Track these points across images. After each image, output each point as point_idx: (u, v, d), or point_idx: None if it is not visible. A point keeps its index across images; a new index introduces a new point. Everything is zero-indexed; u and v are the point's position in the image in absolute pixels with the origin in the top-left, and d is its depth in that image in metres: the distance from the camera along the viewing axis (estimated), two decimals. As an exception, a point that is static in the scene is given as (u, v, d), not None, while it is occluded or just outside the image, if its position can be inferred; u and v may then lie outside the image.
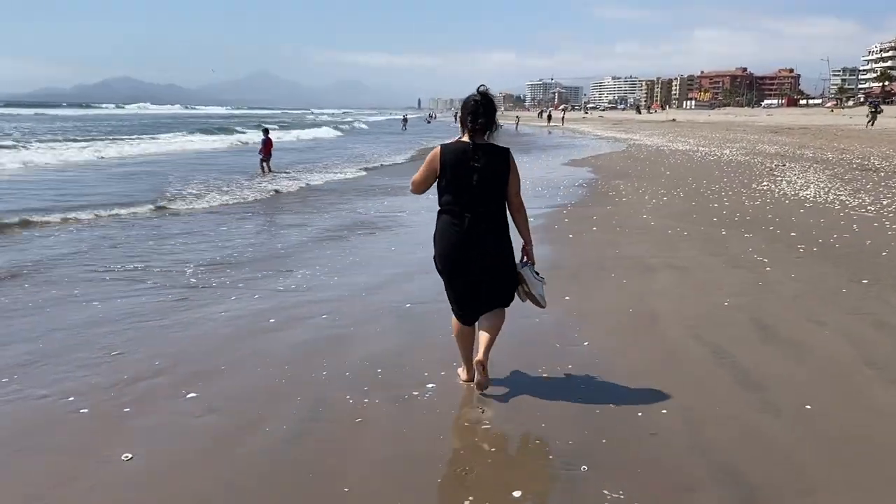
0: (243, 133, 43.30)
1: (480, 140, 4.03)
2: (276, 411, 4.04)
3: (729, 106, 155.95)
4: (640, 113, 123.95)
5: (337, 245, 9.31)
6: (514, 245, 4.29)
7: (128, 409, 4.10)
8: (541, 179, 17.64)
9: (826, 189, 14.61)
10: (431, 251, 4.27)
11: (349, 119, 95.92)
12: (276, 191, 15.59)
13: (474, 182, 3.96)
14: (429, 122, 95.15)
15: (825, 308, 6.19)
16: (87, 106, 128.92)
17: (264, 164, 19.34)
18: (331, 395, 4.27)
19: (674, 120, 77.95)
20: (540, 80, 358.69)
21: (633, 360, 4.89)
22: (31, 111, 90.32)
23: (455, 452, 3.65)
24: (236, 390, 4.38)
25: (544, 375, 4.61)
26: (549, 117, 79.42)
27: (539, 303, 4.33)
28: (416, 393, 4.30)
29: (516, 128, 64.49)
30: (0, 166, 20.00)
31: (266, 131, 20.13)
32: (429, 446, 3.67)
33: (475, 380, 4.24)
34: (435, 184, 4.16)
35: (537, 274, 4.31)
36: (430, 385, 4.42)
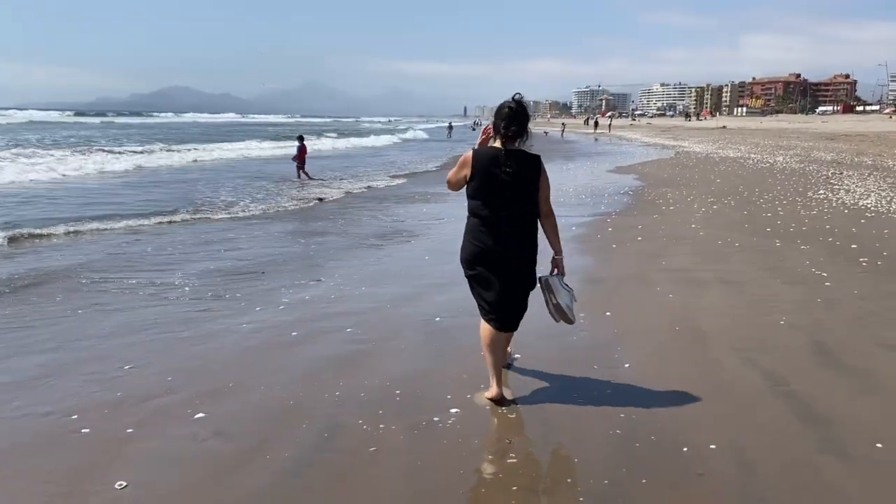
0: (309, 140, 44.20)
1: (512, 146, 4.03)
2: (283, 437, 3.71)
3: (782, 113, 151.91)
4: (689, 120, 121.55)
5: (371, 253, 9.01)
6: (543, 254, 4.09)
7: (130, 431, 3.83)
8: (585, 187, 17.12)
9: (888, 198, 13.76)
10: None
11: (403, 126, 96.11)
12: (319, 199, 15.40)
13: (505, 187, 3.98)
14: (473, 129, 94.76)
15: (895, 330, 5.62)
16: (144, 114, 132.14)
17: (300, 170, 19.40)
18: (343, 419, 3.93)
19: (724, 127, 76.02)
20: (587, 88, 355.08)
21: (678, 386, 4.43)
22: (97, 119, 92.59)
23: (475, 491, 3.26)
24: (246, 411, 4.08)
25: (579, 402, 4.19)
26: (596, 124, 78.36)
27: (567, 316, 4.26)
28: (436, 419, 3.92)
29: (562, 135, 63.85)
30: (79, 171, 20.76)
31: (301, 138, 20.17)
32: (447, 483, 3.30)
33: (496, 396, 4.15)
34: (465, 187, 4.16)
35: (567, 285, 4.24)
36: (453, 410, 4.04)
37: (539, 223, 4.16)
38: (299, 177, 19.24)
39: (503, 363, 4.36)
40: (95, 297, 6.64)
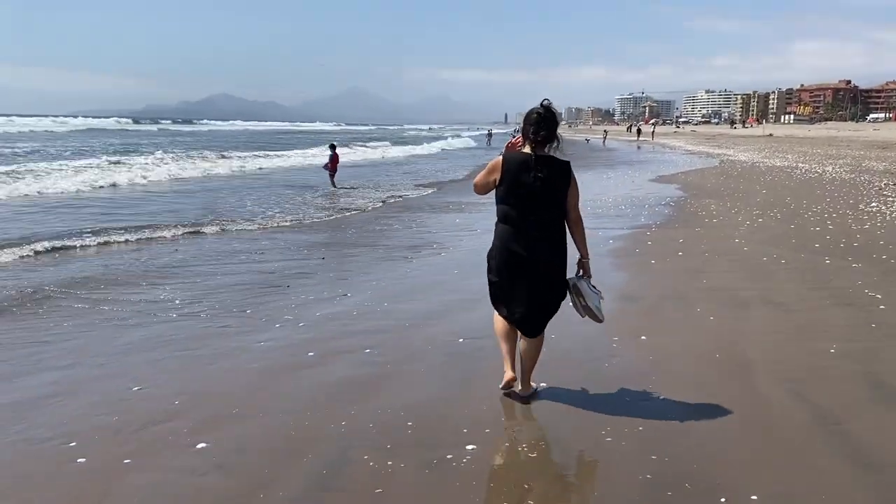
0: (369, 147, 46.75)
1: (542, 152, 4.05)
2: (284, 474, 3.44)
3: (831, 120, 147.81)
4: (734, 127, 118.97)
5: (399, 266, 8.76)
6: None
7: (128, 461, 3.60)
8: (625, 197, 16.63)
9: (947, 211, 13.03)
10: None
11: (447, 134, 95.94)
12: (355, 209, 15.23)
13: (534, 193, 3.99)
14: (513, 137, 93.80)
15: (958, 360, 5.13)
16: (194, 122, 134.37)
17: (332, 178, 19.36)
18: (350, 454, 3.64)
19: (771, 135, 74.22)
20: (630, 94, 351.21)
21: (716, 423, 4.04)
22: (154, 127, 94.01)
23: (486, 544, 2.95)
24: (249, 441, 3.83)
25: (607, 439, 3.84)
26: (639, 132, 77.15)
27: (596, 316, 4.29)
28: (450, 456, 3.61)
29: (603, 142, 62.98)
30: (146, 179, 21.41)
31: (333, 147, 20.18)
32: (456, 532, 3.00)
33: (509, 379, 4.26)
34: (493, 191, 4.18)
35: (594, 287, 4.28)
36: (469, 446, 3.72)
37: (567, 229, 4.18)
38: (332, 185, 19.23)
39: (533, 368, 4.34)
40: (115, 312, 6.51)
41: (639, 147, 53.76)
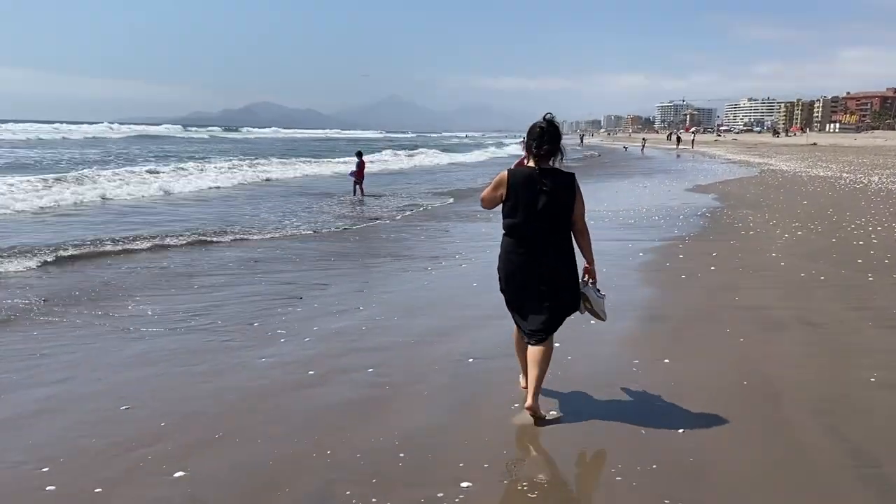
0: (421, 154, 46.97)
1: (546, 165, 4.08)
2: (257, 512, 3.17)
3: (878, 129, 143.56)
4: (777, 136, 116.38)
5: (417, 278, 8.48)
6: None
7: (99, 490, 3.37)
8: (659, 207, 16.12)
9: None
10: None
11: (489, 141, 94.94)
12: (376, 218, 15.01)
13: (540, 206, 4.02)
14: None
15: None
16: (239, 129, 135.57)
17: (357, 186, 19.12)
18: (332, 487, 3.35)
19: (815, 144, 72.35)
20: (671, 102, 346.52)
21: (738, 463, 3.64)
22: (205, 134, 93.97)
23: None
24: (230, 469, 3.56)
25: (618, 478, 3.48)
26: (678, 139, 75.82)
27: (601, 317, 4.38)
28: (441, 494, 3.29)
29: (642, 150, 61.98)
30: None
31: (359, 154, 19.91)
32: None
33: (528, 407, 4.08)
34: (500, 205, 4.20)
35: (599, 291, 4.35)
36: (463, 484, 3.40)
37: (575, 241, 4.23)
38: (354, 193, 18.98)
39: (542, 379, 4.14)
40: (122, 322, 6.34)
41: (678, 155, 52.72)
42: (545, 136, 4.00)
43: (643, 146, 67.60)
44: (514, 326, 4.35)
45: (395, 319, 6.45)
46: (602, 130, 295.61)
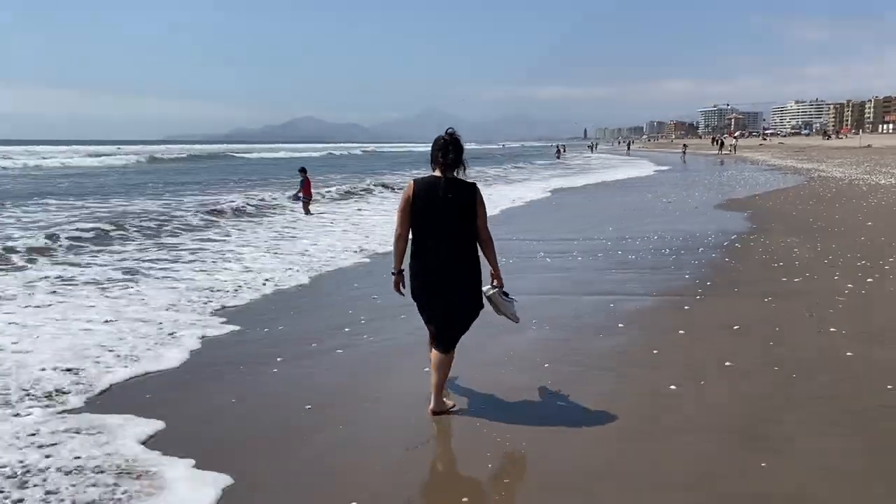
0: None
1: (450, 175, 4.17)
2: None
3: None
4: (828, 138, 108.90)
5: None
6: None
7: None
8: (674, 233, 12.14)
9: None
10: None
11: (538, 160, 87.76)
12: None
13: (444, 214, 4.12)
14: (592, 151, 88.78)
15: None
16: (287, 143, 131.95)
17: (307, 206, 16.51)
18: None
19: (869, 146, 66.09)
20: (714, 106, 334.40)
21: None
22: (258, 154, 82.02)
23: None
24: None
25: None
26: (721, 144, 70.37)
27: (512, 319, 4.55)
28: None
29: (683, 158, 56.58)
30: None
31: (303, 171, 16.83)
32: None
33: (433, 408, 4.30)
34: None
35: (506, 295, 4.47)
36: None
37: (480, 249, 4.31)
38: (307, 213, 16.01)
39: (443, 383, 4.34)
40: None
41: (721, 162, 47.67)
42: (449, 147, 4.13)
43: (683, 153, 62.36)
44: (432, 350, 4.35)
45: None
46: (644, 137, 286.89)
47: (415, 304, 4.33)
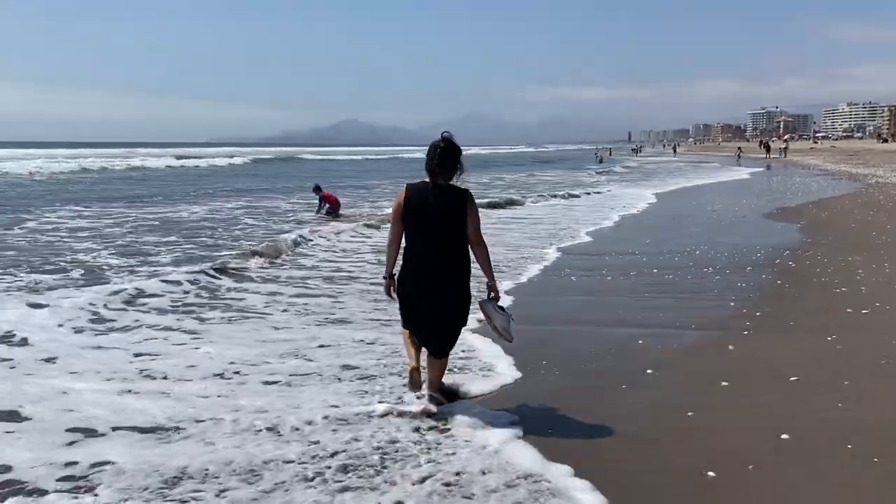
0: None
1: (441, 181, 4.11)
2: None
3: None
4: (884, 142, 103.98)
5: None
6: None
7: None
8: (720, 247, 10.81)
9: None
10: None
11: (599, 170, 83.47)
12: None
13: (434, 220, 4.10)
14: (636, 154, 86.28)
15: None
16: (337, 147, 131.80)
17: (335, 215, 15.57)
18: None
19: (928, 149, 62.39)
20: (763, 109, 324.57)
21: None
22: (316, 157, 78.01)
23: None
24: None
25: None
26: (768, 148, 67.48)
27: (504, 336, 4.37)
28: None
29: (738, 160, 53.85)
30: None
31: (318, 189, 15.99)
32: None
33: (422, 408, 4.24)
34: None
35: (502, 309, 4.34)
36: None
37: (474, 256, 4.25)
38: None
39: (438, 380, 4.37)
40: None
41: (768, 167, 45.34)
42: (437, 153, 4.08)
43: (739, 155, 59.04)
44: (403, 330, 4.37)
45: None
46: (690, 140, 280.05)
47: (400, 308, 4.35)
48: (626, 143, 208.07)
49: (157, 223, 14.95)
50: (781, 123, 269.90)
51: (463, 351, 5.43)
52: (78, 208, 17.85)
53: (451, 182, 4.13)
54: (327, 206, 15.92)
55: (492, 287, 4.30)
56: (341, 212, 15.97)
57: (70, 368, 5.21)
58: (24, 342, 5.83)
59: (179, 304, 7.47)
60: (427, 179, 4.14)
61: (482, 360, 5.35)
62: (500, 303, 4.38)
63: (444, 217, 4.09)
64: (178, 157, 55.22)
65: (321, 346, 5.85)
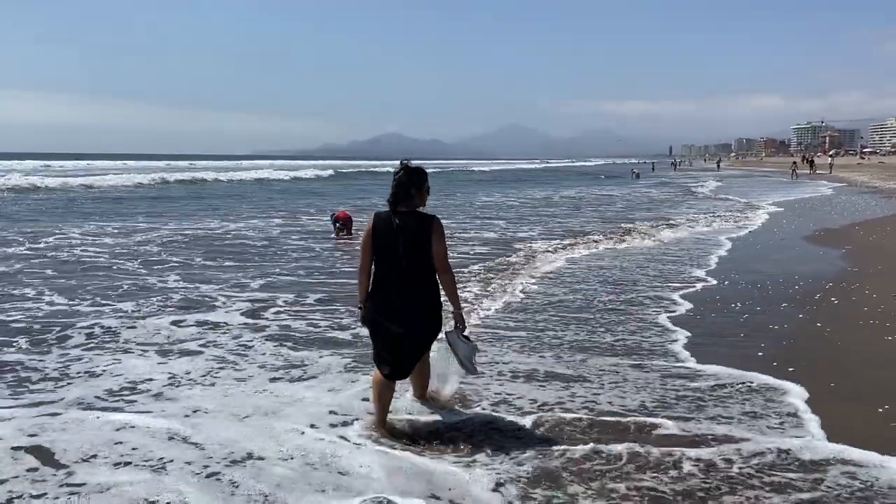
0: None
1: (405, 208, 4.14)
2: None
3: None
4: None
5: None
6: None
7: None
8: (752, 277, 9.50)
9: None
10: None
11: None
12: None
13: (399, 246, 4.08)
14: (675, 168, 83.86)
15: None
16: (379, 160, 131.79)
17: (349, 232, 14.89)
18: None
19: (983, 166, 58.85)
20: (808, 123, 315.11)
21: None
22: (382, 169, 78.95)
23: None
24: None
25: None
26: (811, 163, 64.45)
27: (467, 367, 4.31)
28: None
29: (792, 175, 50.72)
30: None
31: (335, 220, 15.16)
32: None
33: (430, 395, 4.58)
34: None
35: (467, 339, 4.28)
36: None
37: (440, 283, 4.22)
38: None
39: (387, 411, 4.32)
40: None
41: (794, 176, 43.01)
42: (403, 180, 4.10)
43: (794, 171, 54.19)
44: (376, 371, 4.29)
45: None
46: (732, 154, 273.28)
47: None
48: (666, 157, 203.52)
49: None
50: (827, 138, 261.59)
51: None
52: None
53: (417, 208, 4.15)
54: (339, 224, 15.04)
55: (457, 316, 4.27)
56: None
57: None
58: None
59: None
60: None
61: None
62: (465, 332, 4.31)
63: (408, 244, 4.07)
64: (286, 170, 59.69)
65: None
